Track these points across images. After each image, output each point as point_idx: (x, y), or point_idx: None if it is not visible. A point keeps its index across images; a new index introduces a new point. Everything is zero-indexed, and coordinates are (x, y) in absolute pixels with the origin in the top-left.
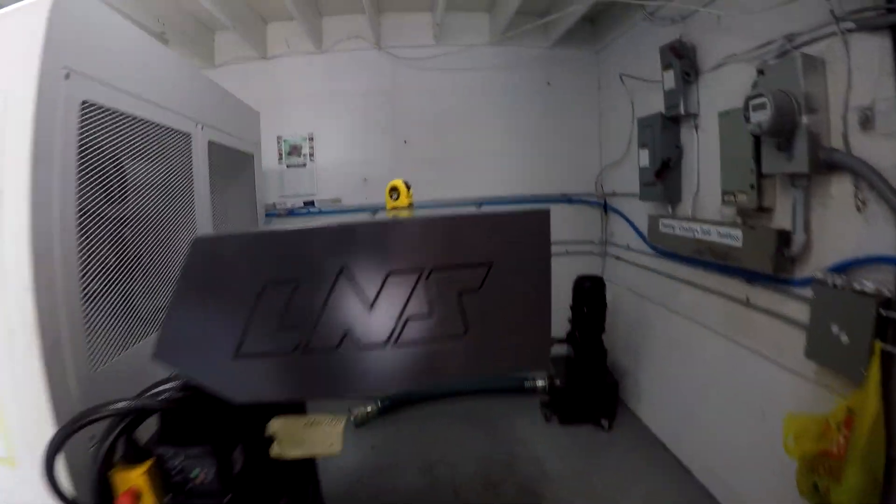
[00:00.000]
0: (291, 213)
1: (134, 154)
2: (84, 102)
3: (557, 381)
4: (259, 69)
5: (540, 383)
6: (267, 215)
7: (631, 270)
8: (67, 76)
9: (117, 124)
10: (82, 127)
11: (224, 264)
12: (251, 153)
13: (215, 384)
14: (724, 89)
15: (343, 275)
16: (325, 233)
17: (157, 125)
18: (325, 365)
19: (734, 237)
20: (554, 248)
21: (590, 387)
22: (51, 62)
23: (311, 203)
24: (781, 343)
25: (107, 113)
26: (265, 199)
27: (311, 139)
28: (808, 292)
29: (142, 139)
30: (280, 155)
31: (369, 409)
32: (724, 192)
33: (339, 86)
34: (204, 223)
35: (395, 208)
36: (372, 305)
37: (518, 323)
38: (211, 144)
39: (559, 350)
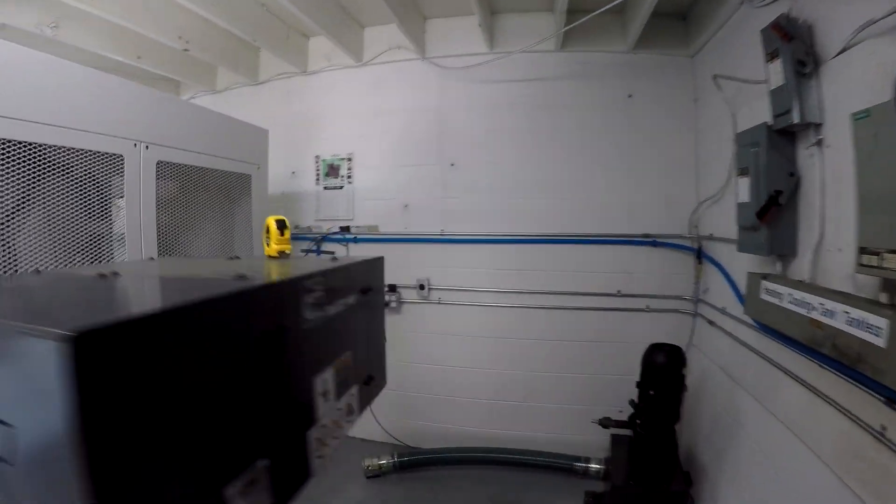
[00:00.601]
0: (325, 238)
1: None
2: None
3: (612, 471)
4: (300, 85)
5: (593, 467)
6: (298, 238)
7: (725, 342)
8: None
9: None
10: None
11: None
12: (247, 174)
13: None
14: (859, 80)
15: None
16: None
17: (57, 147)
18: None
19: (874, 328)
20: (632, 302)
21: (650, 491)
22: None
23: (347, 229)
24: None
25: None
26: (300, 222)
27: (350, 159)
28: None
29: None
30: (318, 175)
31: (383, 461)
32: (863, 249)
33: (381, 101)
34: (148, 244)
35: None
36: None
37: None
38: (163, 164)
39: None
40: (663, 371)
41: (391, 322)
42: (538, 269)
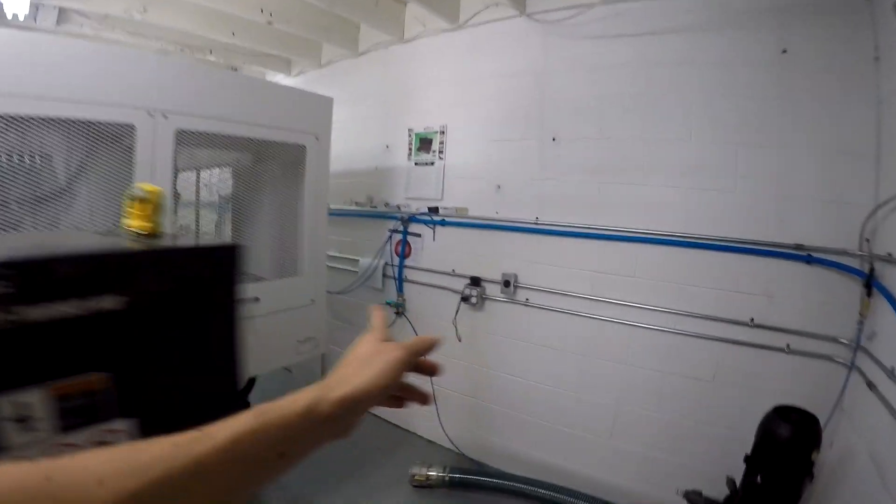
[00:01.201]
0: (412, 219)
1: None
2: None
3: None
4: (396, 55)
5: None
6: (386, 216)
7: (886, 421)
8: None
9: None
10: None
11: None
12: (301, 144)
13: None
14: None
15: None
16: None
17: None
18: None
19: None
20: (768, 337)
21: None
22: None
23: (436, 210)
24: None
25: None
26: (390, 199)
27: (443, 132)
28: None
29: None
30: (410, 150)
31: (432, 472)
32: None
33: (476, 67)
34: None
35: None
36: None
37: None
38: (184, 133)
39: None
40: (784, 450)
41: (471, 319)
42: (645, 276)
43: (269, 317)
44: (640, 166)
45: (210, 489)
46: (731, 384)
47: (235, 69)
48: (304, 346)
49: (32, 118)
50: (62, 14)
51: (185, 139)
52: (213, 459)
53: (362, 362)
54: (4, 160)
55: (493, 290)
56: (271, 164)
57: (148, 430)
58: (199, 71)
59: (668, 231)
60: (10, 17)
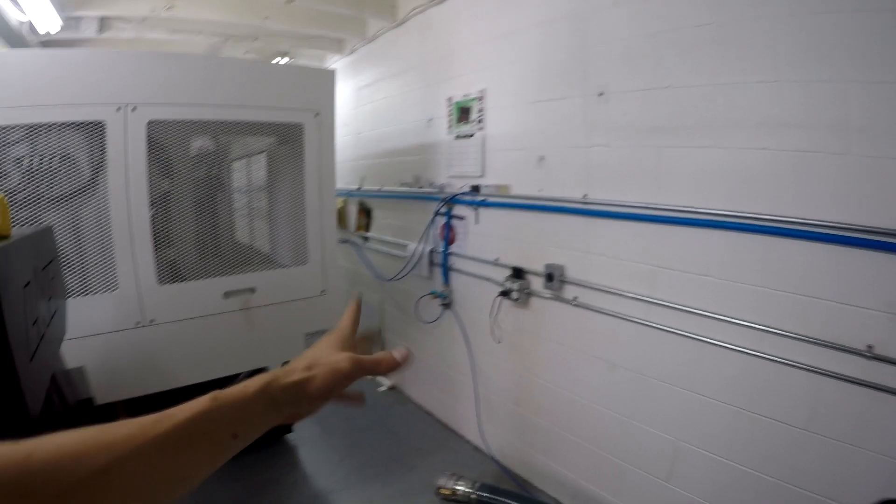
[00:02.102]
0: (454, 199)
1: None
2: None
3: None
4: (432, 18)
5: None
6: (430, 198)
7: None
8: None
9: None
10: None
11: None
12: (298, 123)
13: None
14: None
15: None
16: None
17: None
18: None
19: None
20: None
21: None
22: None
23: (477, 189)
24: None
25: None
26: (435, 178)
27: (481, 98)
28: None
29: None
30: (450, 122)
31: (459, 487)
32: None
33: (511, 18)
34: (136, 208)
35: None
36: None
37: None
38: (155, 123)
39: None
40: None
41: (516, 318)
42: (719, 274)
43: (271, 308)
44: (711, 122)
45: (171, 466)
46: (832, 437)
47: (284, 54)
48: (313, 338)
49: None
50: (104, 22)
51: (159, 130)
52: (172, 437)
53: (311, 363)
54: None
55: (538, 285)
56: (267, 145)
57: None
58: (168, 60)
59: (750, 212)
60: (42, 33)
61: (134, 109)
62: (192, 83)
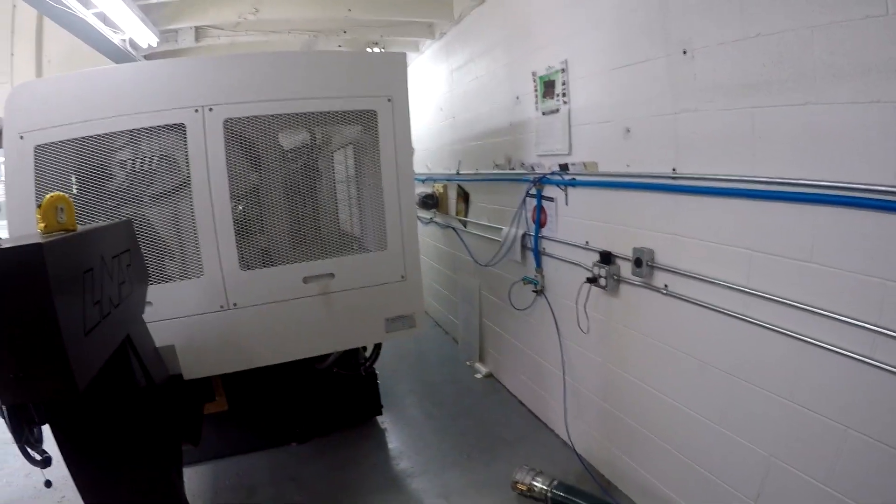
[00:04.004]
0: (543, 180)
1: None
2: (37, 146)
3: None
4: None
5: None
6: (521, 179)
7: None
8: (21, 137)
9: (69, 147)
10: (39, 164)
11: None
12: (370, 110)
13: None
14: None
15: None
16: None
17: (115, 133)
18: None
19: None
20: None
21: None
22: (11, 131)
23: (566, 167)
24: None
25: (56, 145)
26: (524, 158)
27: (564, 70)
28: None
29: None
30: (536, 98)
31: (536, 483)
32: None
33: None
34: (219, 200)
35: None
36: None
37: None
38: (232, 121)
39: None
40: None
41: (606, 306)
42: (826, 261)
43: (350, 293)
44: (810, 73)
45: None
46: None
47: (375, 44)
48: (394, 324)
49: (109, 134)
50: (199, 31)
51: (239, 127)
52: None
53: None
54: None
55: (627, 270)
56: (344, 134)
57: None
58: (239, 61)
59: (863, 183)
60: (144, 47)
61: (211, 110)
62: (263, 80)
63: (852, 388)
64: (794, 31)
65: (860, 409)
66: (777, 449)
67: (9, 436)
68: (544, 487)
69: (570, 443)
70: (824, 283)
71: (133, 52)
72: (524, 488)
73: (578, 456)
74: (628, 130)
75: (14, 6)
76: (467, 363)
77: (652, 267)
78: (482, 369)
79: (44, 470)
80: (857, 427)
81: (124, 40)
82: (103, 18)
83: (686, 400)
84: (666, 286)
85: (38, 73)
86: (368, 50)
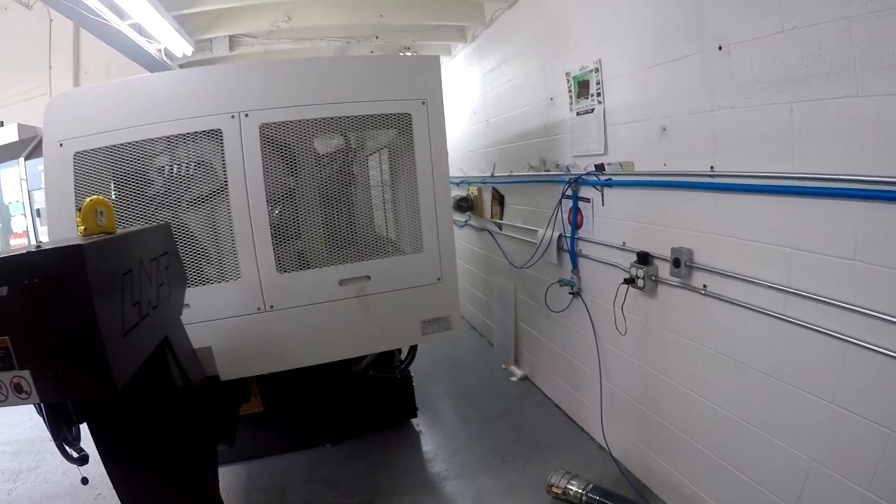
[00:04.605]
0: (580, 181)
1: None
2: (76, 153)
3: None
4: None
5: None
6: (556, 181)
7: None
8: (61, 145)
9: (107, 153)
10: (78, 170)
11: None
12: (405, 113)
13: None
14: None
15: None
16: None
17: (153, 139)
18: None
19: None
20: None
21: None
22: (51, 139)
23: (602, 167)
24: None
25: (95, 151)
26: (560, 159)
27: (597, 70)
28: None
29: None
30: (570, 98)
31: (572, 487)
32: None
33: None
34: (255, 204)
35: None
36: None
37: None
38: (268, 126)
39: None
40: None
41: (644, 307)
42: (871, 258)
43: (386, 295)
44: (849, 65)
45: None
46: None
47: (408, 49)
48: (430, 326)
49: (147, 141)
50: (233, 40)
51: (276, 131)
52: None
53: None
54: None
55: (665, 271)
56: (379, 137)
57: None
58: (274, 67)
59: None
60: (179, 56)
61: (247, 115)
62: (297, 85)
63: None
64: (833, 23)
65: None
66: (818, 453)
67: (47, 433)
68: (579, 491)
69: (605, 446)
70: (868, 282)
71: (168, 62)
72: (559, 492)
73: (614, 459)
74: (664, 129)
75: (51, 20)
76: (503, 366)
77: (690, 267)
78: (518, 372)
79: (81, 467)
80: None
81: (160, 50)
82: (139, 29)
83: (725, 403)
84: (705, 286)
85: (76, 84)
86: (401, 54)
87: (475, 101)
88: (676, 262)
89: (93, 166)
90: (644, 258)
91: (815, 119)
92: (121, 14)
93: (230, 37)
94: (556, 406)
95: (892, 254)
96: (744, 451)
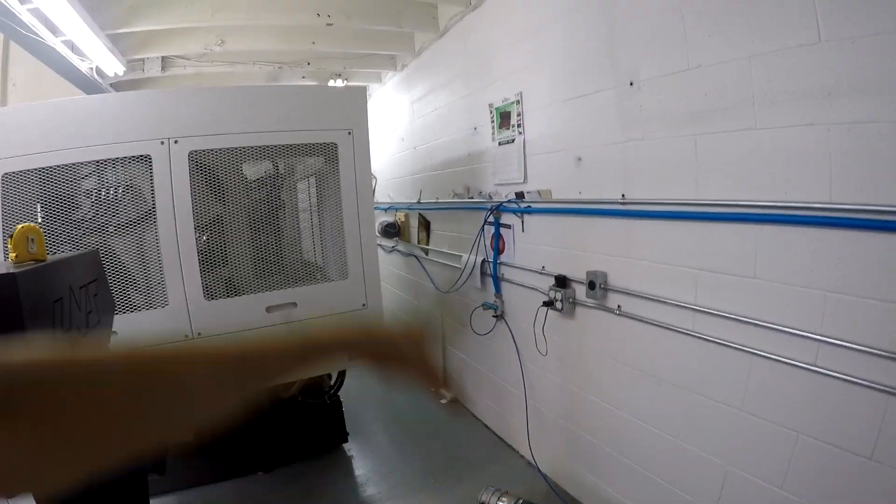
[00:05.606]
0: (500, 207)
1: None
2: (4, 174)
3: None
4: (470, 24)
5: None
6: (479, 208)
7: None
8: None
9: (35, 176)
10: (6, 192)
11: None
12: (331, 143)
13: None
14: None
15: None
16: None
17: (82, 163)
18: None
19: None
20: None
21: None
22: None
23: (521, 195)
24: None
25: (24, 173)
26: (482, 187)
27: (519, 101)
28: None
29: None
30: (493, 128)
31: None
32: None
33: (542, 12)
34: (183, 231)
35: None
36: None
37: None
38: (197, 153)
39: None
40: None
41: (562, 328)
42: (769, 276)
43: (313, 322)
44: (748, 100)
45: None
46: None
47: (339, 76)
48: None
49: (76, 164)
50: (165, 61)
51: (204, 158)
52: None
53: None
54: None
55: (582, 294)
56: (307, 165)
57: None
58: (204, 94)
59: (801, 202)
60: (111, 75)
61: (176, 142)
62: (227, 113)
63: (801, 395)
64: (733, 62)
65: (808, 414)
66: (733, 458)
67: None
68: None
69: (534, 462)
70: (768, 297)
71: (99, 80)
72: None
73: (543, 475)
74: (580, 159)
75: None
76: (432, 389)
77: (605, 289)
78: (447, 394)
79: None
80: (807, 430)
81: (91, 68)
82: (71, 46)
83: (644, 415)
84: (619, 307)
85: (3, 96)
86: (332, 82)
87: (403, 129)
88: (592, 285)
89: (20, 189)
90: (562, 281)
91: (716, 150)
92: (54, 30)
93: (163, 58)
94: (485, 426)
95: (788, 271)
96: (664, 459)
